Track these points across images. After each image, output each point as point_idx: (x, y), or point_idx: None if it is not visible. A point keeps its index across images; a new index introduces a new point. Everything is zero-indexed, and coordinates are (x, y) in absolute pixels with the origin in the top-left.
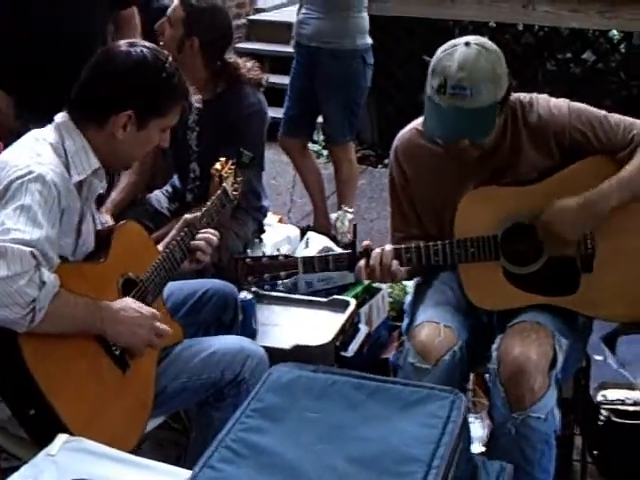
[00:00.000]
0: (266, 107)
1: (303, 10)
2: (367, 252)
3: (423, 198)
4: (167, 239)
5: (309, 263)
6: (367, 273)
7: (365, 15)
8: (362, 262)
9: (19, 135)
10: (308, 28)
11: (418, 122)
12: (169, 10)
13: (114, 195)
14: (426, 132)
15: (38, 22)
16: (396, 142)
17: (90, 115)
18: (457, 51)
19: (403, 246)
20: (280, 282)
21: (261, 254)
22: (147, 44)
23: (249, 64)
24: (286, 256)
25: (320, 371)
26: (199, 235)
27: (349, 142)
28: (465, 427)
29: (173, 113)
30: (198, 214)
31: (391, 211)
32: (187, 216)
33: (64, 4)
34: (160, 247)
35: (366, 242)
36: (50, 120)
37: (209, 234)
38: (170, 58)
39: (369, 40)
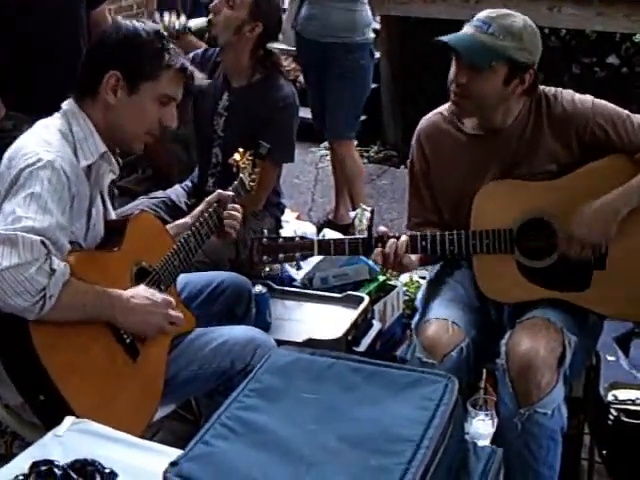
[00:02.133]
0: (298, 101)
1: (307, 6)
2: (382, 239)
3: (441, 183)
4: (195, 212)
5: (325, 245)
6: (381, 260)
7: (368, 8)
8: (378, 249)
9: (9, 135)
10: (316, 24)
11: (444, 107)
12: None
13: None
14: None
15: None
16: (420, 125)
17: (84, 87)
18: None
19: (419, 234)
20: (297, 279)
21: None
22: (145, 21)
23: (287, 61)
24: (302, 237)
25: (318, 354)
26: (226, 211)
27: (352, 139)
28: (457, 410)
29: (165, 79)
30: (231, 192)
31: (409, 196)
32: (220, 191)
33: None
34: (188, 219)
35: (383, 228)
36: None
37: (234, 209)
38: (164, 32)
39: (372, 34)
